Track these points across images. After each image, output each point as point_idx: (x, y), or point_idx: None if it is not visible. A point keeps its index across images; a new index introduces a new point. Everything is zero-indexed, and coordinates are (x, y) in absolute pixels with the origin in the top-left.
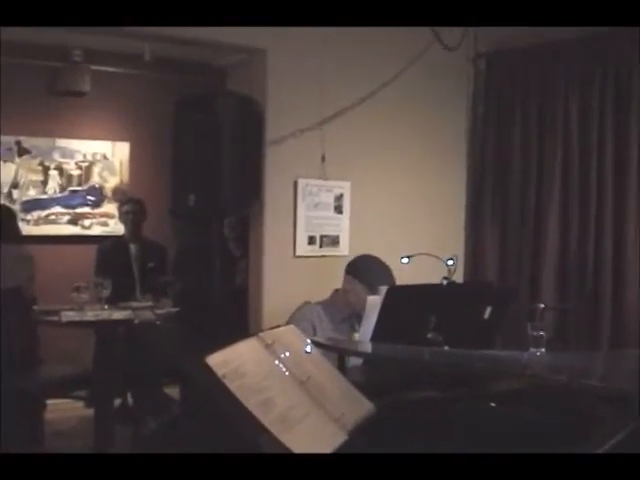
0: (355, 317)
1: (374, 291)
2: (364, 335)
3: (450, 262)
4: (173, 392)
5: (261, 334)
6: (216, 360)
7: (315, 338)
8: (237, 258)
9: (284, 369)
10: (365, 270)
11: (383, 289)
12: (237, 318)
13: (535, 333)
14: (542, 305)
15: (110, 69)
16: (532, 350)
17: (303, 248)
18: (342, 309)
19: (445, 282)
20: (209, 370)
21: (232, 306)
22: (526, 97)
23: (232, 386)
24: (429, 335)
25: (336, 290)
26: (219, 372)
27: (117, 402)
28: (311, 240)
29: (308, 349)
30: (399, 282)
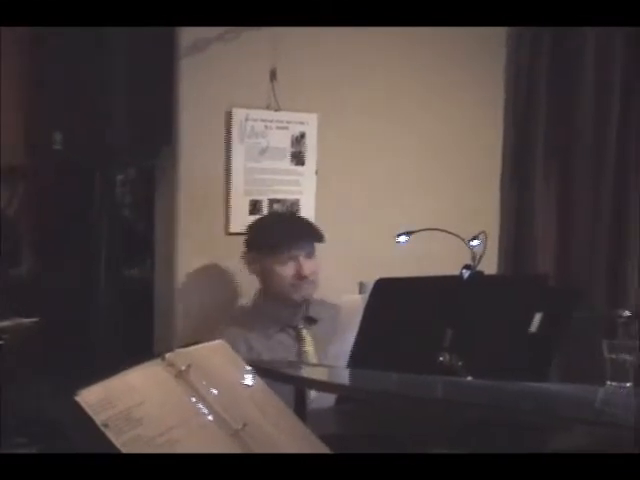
0: (301, 320)
1: (277, 255)
2: (337, 357)
3: (475, 243)
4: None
5: (169, 355)
6: (93, 398)
7: (256, 361)
8: (137, 237)
9: (206, 411)
10: (262, 229)
11: (368, 285)
12: (136, 332)
13: (615, 356)
14: (628, 313)
15: None
16: (610, 384)
17: (242, 220)
18: (273, 312)
19: (467, 273)
20: (82, 414)
21: (128, 313)
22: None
23: (120, 440)
24: (441, 358)
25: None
26: (98, 417)
27: None
28: (255, 207)
29: (247, 380)
30: (394, 274)
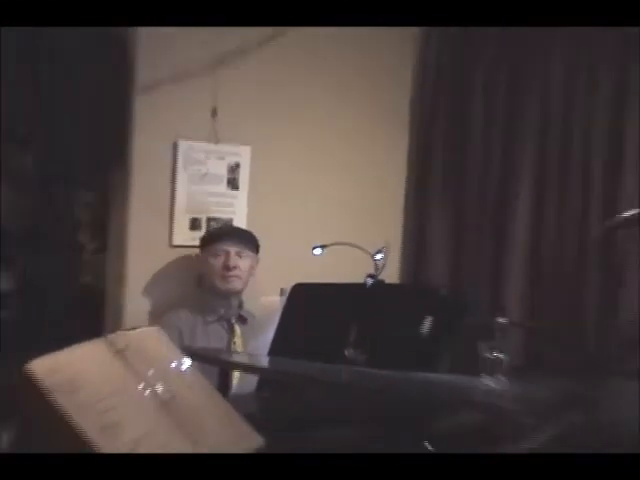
0: (234, 316)
1: (212, 248)
2: (259, 349)
3: (378, 256)
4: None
5: (110, 336)
6: (42, 367)
7: (187, 346)
8: (93, 247)
9: (139, 383)
10: (208, 233)
11: (287, 290)
12: (89, 329)
13: (491, 356)
14: (502, 320)
15: None
16: (484, 376)
17: (183, 235)
18: (212, 304)
19: (370, 281)
20: (32, 380)
21: (81, 314)
22: (495, 48)
23: (64, 403)
24: (347, 352)
25: None
26: (46, 383)
27: None
28: (194, 224)
29: (176, 360)
30: (310, 280)
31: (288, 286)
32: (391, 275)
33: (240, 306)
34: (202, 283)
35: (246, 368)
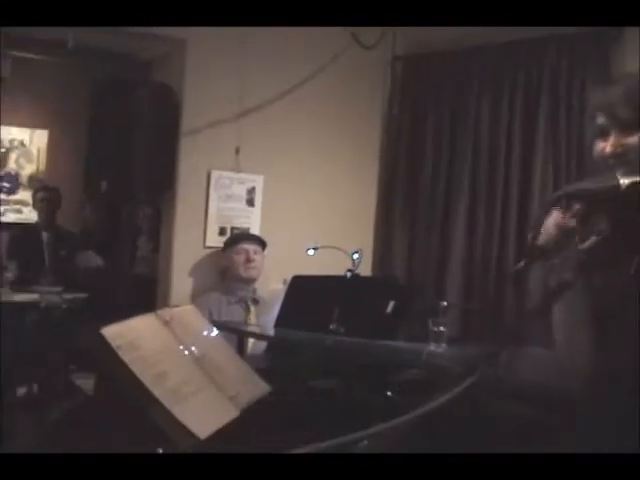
0: (250, 298)
1: (235, 247)
2: (266, 324)
3: (355, 256)
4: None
5: (159, 311)
6: (111, 332)
7: (215, 320)
8: (149, 248)
9: (180, 345)
10: (231, 237)
11: (288, 280)
12: (144, 308)
13: (436, 329)
14: (445, 303)
15: (31, 56)
16: (430, 344)
17: (213, 239)
18: (234, 289)
19: (349, 274)
20: (103, 341)
21: (139, 296)
22: (440, 101)
23: (126, 358)
24: (331, 326)
25: None
26: (113, 343)
27: (21, 390)
28: (222, 231)
29: (206, 329)
30: (304, 273)
31: (289, 277)
32: (365, 270)
33: (254, 291)
34: (225, 274)
35: (258, 336)
